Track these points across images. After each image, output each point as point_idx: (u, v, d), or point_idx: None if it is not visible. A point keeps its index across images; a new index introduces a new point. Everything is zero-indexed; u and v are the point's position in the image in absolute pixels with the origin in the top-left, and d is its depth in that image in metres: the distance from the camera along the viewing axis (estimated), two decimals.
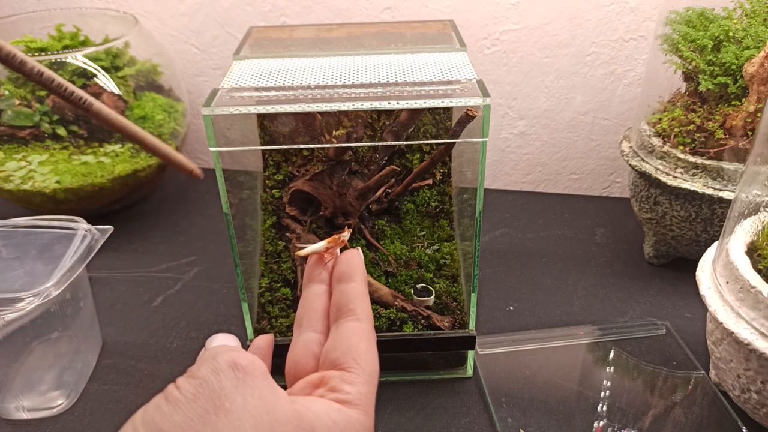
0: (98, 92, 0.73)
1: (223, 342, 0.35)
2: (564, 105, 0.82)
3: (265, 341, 0.37)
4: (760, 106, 0.56)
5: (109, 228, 0.54)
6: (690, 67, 0.62)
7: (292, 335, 0.36)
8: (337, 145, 0.53)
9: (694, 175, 0.60)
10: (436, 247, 0.58)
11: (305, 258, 0.38)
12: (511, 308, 0.64)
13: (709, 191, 0.58)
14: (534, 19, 0.77)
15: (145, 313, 0.65)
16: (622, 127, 0.82)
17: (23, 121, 0.72)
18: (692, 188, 0.59)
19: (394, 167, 0.53)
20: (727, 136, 0.59)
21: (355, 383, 0.29)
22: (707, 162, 0.59)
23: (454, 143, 0.52)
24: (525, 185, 0.89)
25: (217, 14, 0.84)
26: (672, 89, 0.66)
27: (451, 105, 0.43)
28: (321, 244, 0.36)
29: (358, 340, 0.31)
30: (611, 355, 0.57)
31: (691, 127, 0.60)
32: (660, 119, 0.64)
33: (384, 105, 0.42)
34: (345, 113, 0.55)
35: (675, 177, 0.61)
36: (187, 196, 0.88)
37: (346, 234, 0.36)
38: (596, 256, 0.73)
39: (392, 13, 0.79)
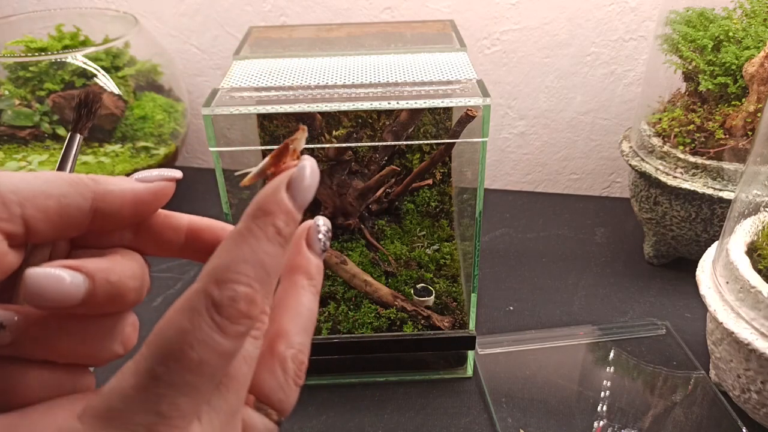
0: (98, 92, 0.73)
1: None
2: (564, 105, 0.82)
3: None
4: (760, 106, 0.56)
5: None
6: (690, 67, 0.62)
7: None
8: (337, 145, 0.53)
9: (694, 175, 0.60)
10: (436, 247, 0.58)
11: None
12: (511, 308, 0.64)
13: (709, 191, 0.58)
14: (534, 19, 0.77)
15: (145, 313, 0.64)
16: (622, 127, 0.82)
17: (23, 121, 0.72)
18: (692, 188, 0.59)
19: (394, 167, 0.53)
20: (727, 136, 0.59)
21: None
22: (707, 162, 0.59)
23: (454, 143, 0.52)
24: (525, 185, 0.89)
25: (217, 14, 0.84)
26: (672, 89, 0.66)
27: (451, 105, 0.43)
28: (265, 162, 0.25)
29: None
30: (611, 355, 0.57)
31: (691, 127, 0.60)
32: (660, 119, 0.64)
33: (384, 105, 0.42)
34: (345, 113, 0.55)
35: (675, 177, 0.61)
36: (187, 196, 0.87)
37: (300, 134, 0.25)
38: (596, 256, 0.73)
39: (392, 13, 0.79)
